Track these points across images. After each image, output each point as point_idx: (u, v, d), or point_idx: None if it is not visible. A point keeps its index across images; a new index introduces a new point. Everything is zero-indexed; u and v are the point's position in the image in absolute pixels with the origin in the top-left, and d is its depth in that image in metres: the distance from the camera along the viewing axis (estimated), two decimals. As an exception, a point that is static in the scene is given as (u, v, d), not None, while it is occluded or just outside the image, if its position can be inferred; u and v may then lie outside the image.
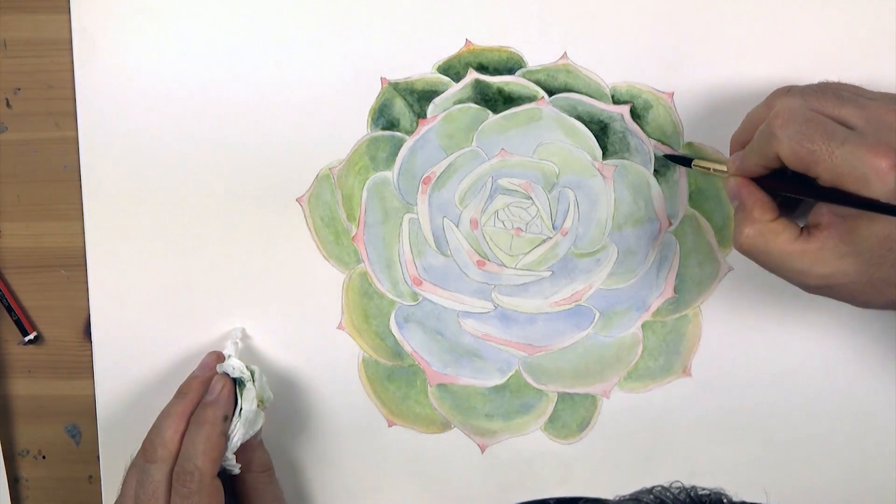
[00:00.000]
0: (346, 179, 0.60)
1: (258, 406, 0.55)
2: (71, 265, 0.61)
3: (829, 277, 0.48)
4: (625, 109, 0.59)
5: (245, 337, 0.60)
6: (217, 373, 0.56)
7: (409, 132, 0.59)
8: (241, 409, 0.55)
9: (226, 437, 0.54)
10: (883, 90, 0.58)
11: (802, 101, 0.48)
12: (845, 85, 0.50)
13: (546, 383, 0.61)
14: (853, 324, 0.59)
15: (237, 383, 0.56)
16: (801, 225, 0.49)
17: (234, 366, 0.55)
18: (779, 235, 0.49)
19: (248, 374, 0.56)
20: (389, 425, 0.61)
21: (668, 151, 0.58)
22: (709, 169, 0.55)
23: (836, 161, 0.45)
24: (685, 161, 0.57)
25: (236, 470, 0.55)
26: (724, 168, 0.53)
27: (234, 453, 0.54)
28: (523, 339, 0.60)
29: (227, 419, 0.54)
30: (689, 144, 0.59)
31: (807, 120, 0.46)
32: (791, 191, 0.49)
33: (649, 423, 0.60)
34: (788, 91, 0.50)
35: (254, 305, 0.60)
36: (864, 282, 0.48)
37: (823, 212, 0.48)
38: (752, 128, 0.51)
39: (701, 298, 0.60)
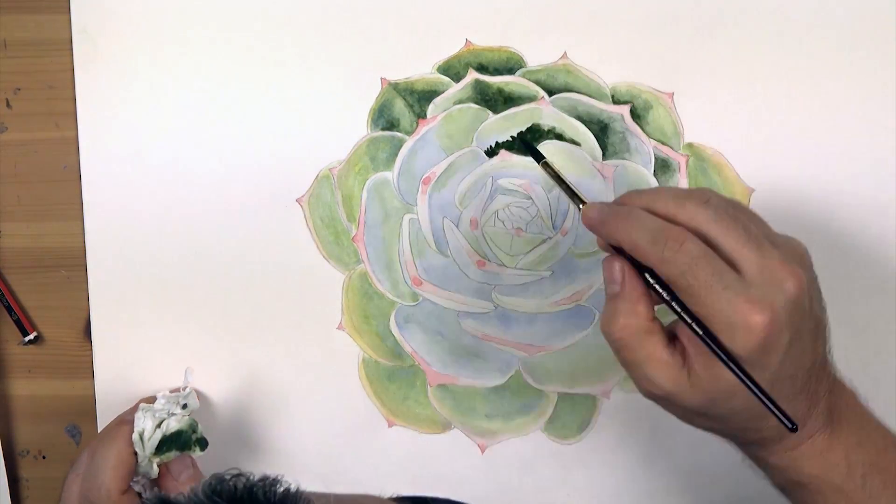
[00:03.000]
0: (346, 180, 0.60)
1: (188, 449, 0.56)
2: (71, 265, 0.61)
3: (669, 395, 0.47)
4: (625, 109, 0.59)
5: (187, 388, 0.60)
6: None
7: (409, 132, 0.59)
8: (143, 430, 0.55)
9: (135, 457, 0.55)
10: (882, 90, 0.58)
11: (713, 222, 0.45)
12: (757, 220, 0.47)
13: (546, 383, 0.61)
14: (852, 324, 0.59)
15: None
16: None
17: (157, 407, 0.56)
18: (652, 337, 0.47)
19: (166, 415, 0.56)
20: (389, 425, 0.61)
21: (666, 151, 0.58)
22: (556, 180, 0.51)
23: (711, 301, 0.44)
24: (537, 155, 0.53)
25: (146, 493, 0.56)
26: (583, 202, 0.49)
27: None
28: (523, 339, 0.60)
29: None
30: (689, 145, 0.59)
31: (700, 255, 0.44)
32: (659, 294, 0.46)
33: (649, 423, 0.60)
34: (706, 202, 0.46)
35: (254, 306, 0.60)
36: (695, 412, 0.48)
37: (685, 332, 0.46)
38: (654, 206, 0.47)
39: (701, 298, 0.60)
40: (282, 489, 0.36)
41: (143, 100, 0.59)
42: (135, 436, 0.55)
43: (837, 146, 0.58)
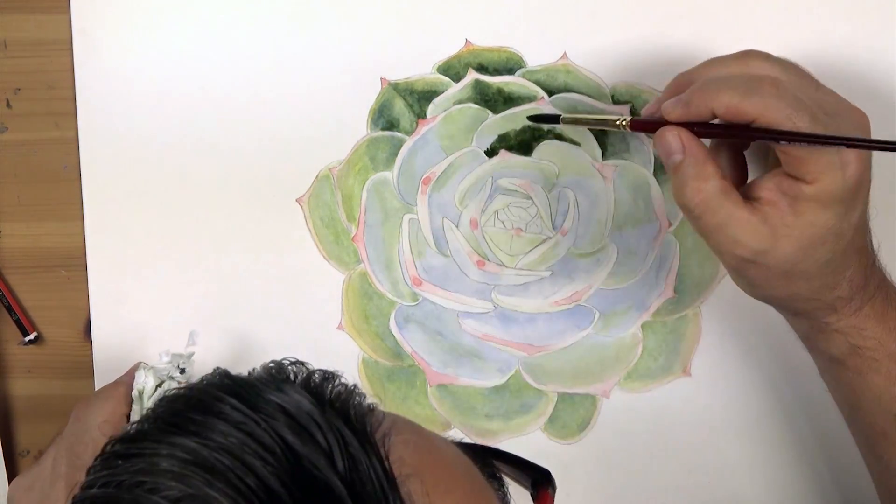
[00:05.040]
0: (345, 180, 0.60)
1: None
2: (71, 265, 0.61)
3: (757, 255, 0.46)
4: (625, 109, 0.59)
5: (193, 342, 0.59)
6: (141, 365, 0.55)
7: (409, 132, 0.59)
8: (143, 388, 0.54)
9: (127, 418, 0.53)
10: (883, 90, 0.58)
11: (785, 74, 0.46)
12: (825, 94, 0.48)
13: (546, 383, 0.61)
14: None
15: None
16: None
17: (148, 377, 0.55)
18: (730, 196, 0.46)
19: (166, 376, 0.55)
20: (389, 425, 0.61)
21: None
22: (584, 122, 0.54)
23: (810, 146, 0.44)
24: (553, 119, 0.56)
25: None
26: (613, 119, 0.51)
27: None
28: (523, 339, 0.60)
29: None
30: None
31: (797, 98, 0.44)
32: (733, 136, 0.46)
33: (649, 423, 0.60)
34: (767, 58, 0.47)
35: (254, 305, 0.60)
36: (783, 271, 0.47)
37: (768, 186, 0.46)
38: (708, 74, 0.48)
39: (701, 298, 0.60)
40: (339, 385, 0.35)
41: (143, 100, 0.59)
42: (135, 392, 0.53)
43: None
